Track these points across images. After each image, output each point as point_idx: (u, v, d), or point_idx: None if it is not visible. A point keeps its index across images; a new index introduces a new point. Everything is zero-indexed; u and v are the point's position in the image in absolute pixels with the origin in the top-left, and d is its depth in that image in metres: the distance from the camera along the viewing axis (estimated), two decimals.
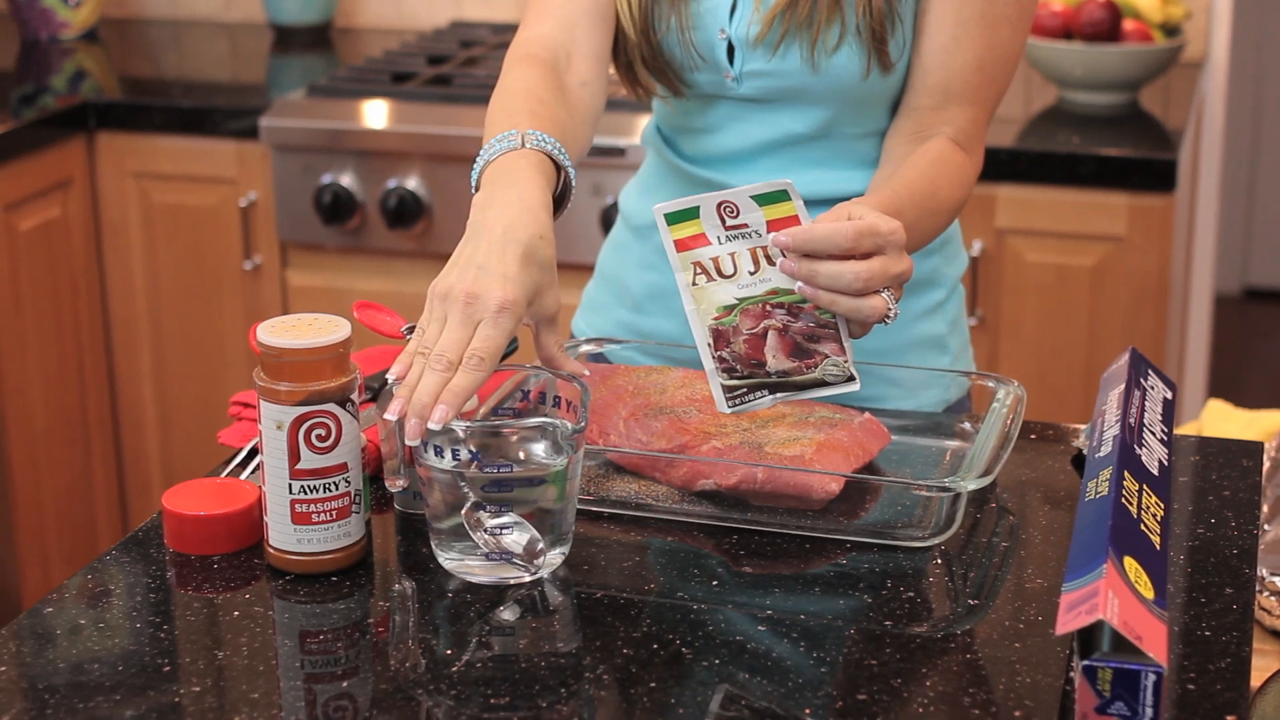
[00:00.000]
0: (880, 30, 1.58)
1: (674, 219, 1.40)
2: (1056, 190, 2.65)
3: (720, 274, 1.40)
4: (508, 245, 1.35)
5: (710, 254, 1.40)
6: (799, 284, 1.38)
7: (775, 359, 1.41)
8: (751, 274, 1.40)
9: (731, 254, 1.40)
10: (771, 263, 1.40)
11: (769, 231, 1.39)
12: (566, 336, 1.87)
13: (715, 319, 1.41)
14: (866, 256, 1.38)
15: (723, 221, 1.39)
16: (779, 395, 1.42)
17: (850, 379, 1.42)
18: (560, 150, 1.46)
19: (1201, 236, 3.26)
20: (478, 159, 1.46)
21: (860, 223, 1.37)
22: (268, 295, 3.00)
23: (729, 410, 1.43)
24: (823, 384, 1.42)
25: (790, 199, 1.38)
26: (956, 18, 1.59)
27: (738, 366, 1.42)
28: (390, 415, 1.29)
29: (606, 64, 1.64)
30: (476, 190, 1.44)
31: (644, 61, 1.64)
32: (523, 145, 1.44)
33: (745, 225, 1.39)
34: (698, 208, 1.39)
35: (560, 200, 1.48)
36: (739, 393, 1.42)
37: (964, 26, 1.59)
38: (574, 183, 1.49)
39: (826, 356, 1.41)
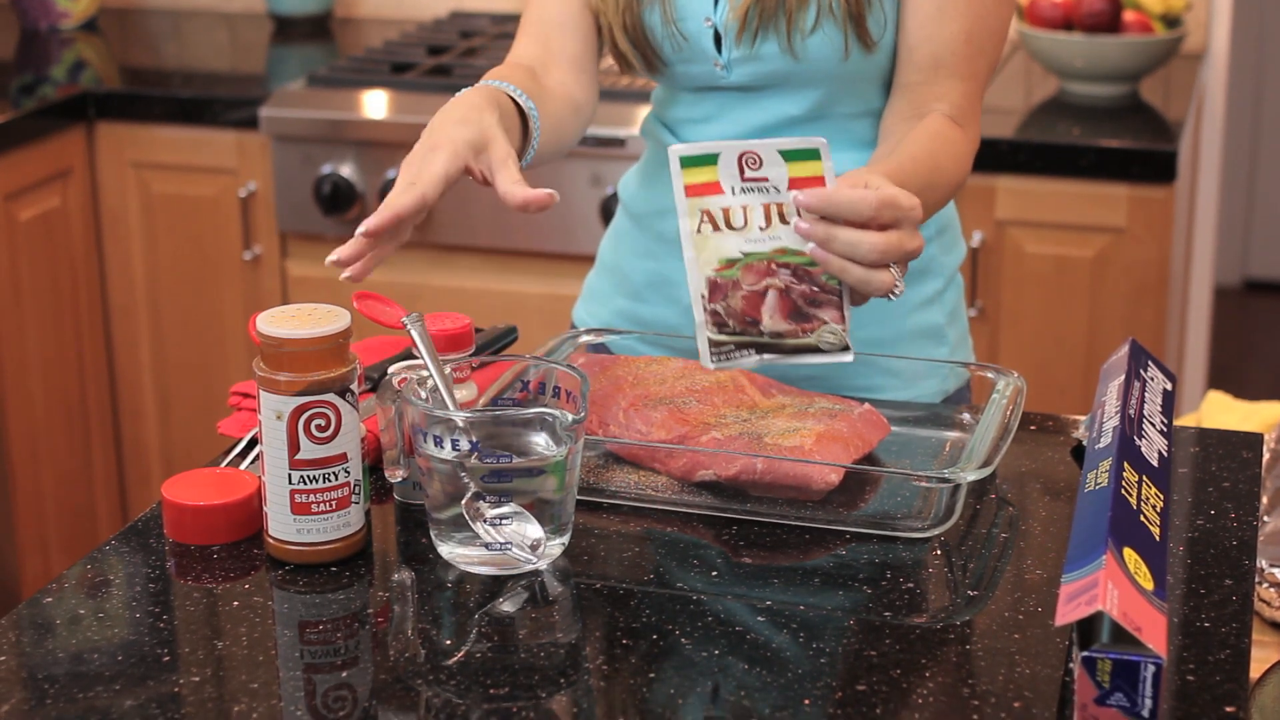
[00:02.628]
0: (858, 8, 1.58)
1: (689, 163, 1.36)
2: (1057, 181, 2.65)
3: (729, 225, 1.37)
4: (443, 117, 1.45)
5: (721, 203, 1.37)
6: (811, 246, 1.37)
7: (772, 319, 1.39)
8: (762, 229, 1.37)
9: (744, 206, 1.37)
10: (785, 221, 1.37)
11: (789, 189, 1.36)
12: (567, 327, 1.87)
13: (715, 270, 1.38)
14: (883, 228, 1.37)
15: (741, 172, 1.36)
16: (766, 356, 1.40)
17: (845, 348, 1.40)
18: (517, 92, 1.52)
19: (1201, 228, 3.26)
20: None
21: (884, 193, 1.35)
22: (267, 285, 3.00)
23: (712, 365, 1.41)
24: (816, 350, 1.40)
25: (820, 159, 1.35)
26: None
27: (730, 322, 1.39)
28: (332, 257, 1.40)
29: (587, 71, 1.67)
30: None
31: (625, 31, 1.65)
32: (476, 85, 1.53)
33: (765, 179, 1.36)
34: (717, 154, 1.36)
35: (523, 142, 1.54)
36: (725, 349, 1.40)
37: None
38: (536, 125, 1.54)
39: (825, 323, 1.39)
